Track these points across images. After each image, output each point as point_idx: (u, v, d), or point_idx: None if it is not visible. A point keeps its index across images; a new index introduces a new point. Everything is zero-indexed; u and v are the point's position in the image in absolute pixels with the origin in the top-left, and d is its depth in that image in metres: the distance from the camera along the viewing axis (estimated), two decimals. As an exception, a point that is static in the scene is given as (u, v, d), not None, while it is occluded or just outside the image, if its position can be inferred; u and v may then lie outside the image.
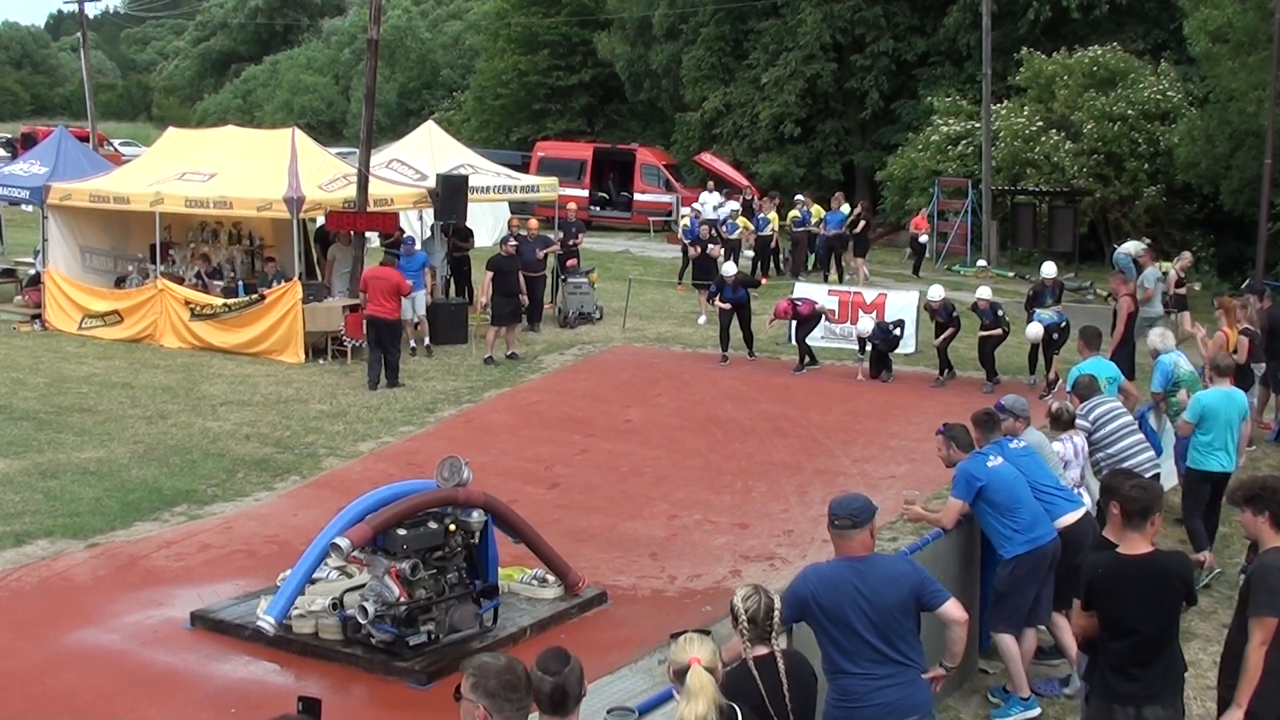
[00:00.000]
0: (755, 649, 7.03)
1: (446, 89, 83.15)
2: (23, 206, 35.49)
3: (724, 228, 35.86)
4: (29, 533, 15.45)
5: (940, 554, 10.71)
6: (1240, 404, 14.65)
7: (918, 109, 47.80)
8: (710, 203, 40.67)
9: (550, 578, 13.66)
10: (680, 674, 6.53)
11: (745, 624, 7.02)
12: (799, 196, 39.89)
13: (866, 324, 24.66)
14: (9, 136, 70.27)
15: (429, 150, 31.40)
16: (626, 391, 23.26)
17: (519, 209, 33.91)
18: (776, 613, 7.10)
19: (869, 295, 27.48)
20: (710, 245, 31.47)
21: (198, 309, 26.34)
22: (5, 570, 14.39)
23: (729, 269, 26.17)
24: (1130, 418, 13.91)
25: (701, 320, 29.60)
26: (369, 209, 26.34)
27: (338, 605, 12.48)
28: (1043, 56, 42.05)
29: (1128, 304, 22.51)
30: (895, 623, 7.80)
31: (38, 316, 29.12)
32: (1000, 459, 11.00)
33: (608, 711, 6.91)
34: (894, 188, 45.50)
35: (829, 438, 20.20)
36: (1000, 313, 23.82)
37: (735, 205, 39.03)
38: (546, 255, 29.55)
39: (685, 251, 35.72)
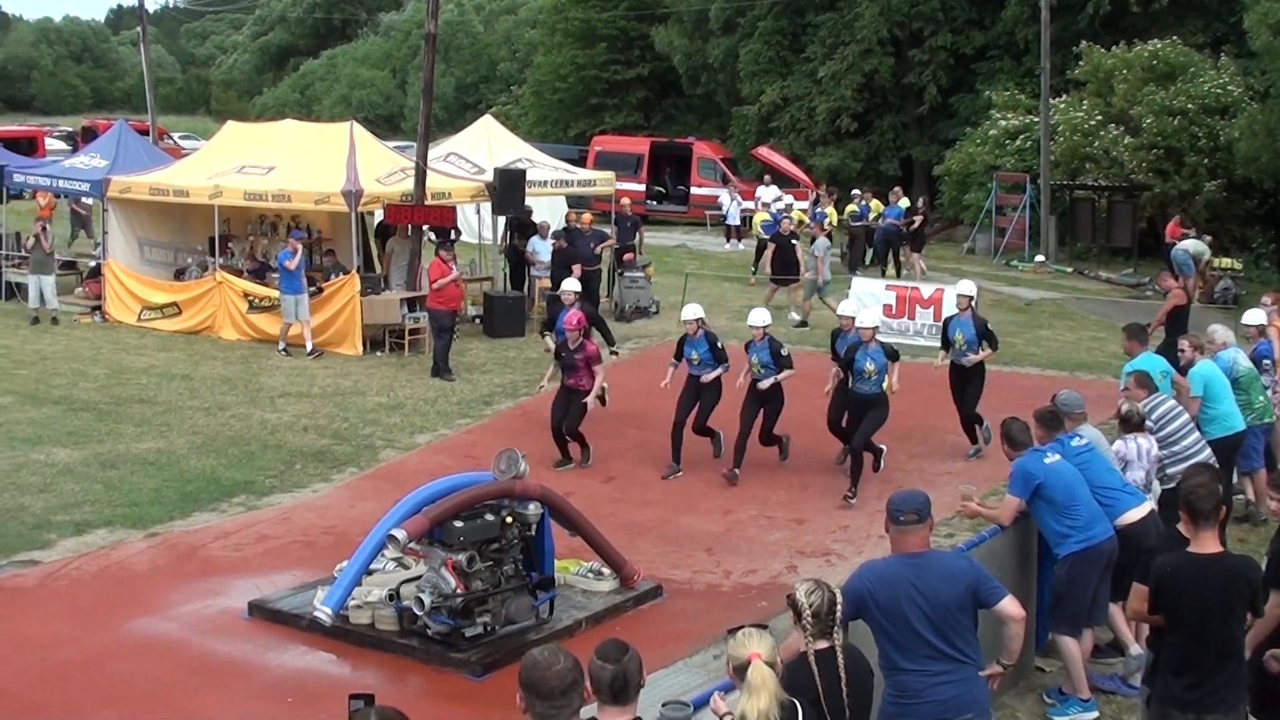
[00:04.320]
0: (816, 644, 7.01)
1: (504, 83, 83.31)
2: (83, 199, 35.71)
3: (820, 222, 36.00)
4: (89, 522, 15.58)
5: (997, 551, 10.65)
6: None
7: (976, 103, 47.52)
8: (767, 196, 40.62)
9: (606, 571, 13.67)
10: (740, 669, 6.51)
11: (809, 618, 6.99)
12: (856, 191, 39.80)
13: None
14: (70, 130, 70.90)
15: (487, 144, 31.43)
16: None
17: (576, 203, 33.90)
18: (838, 607, 7.07)
19: (926, 290, 27.37)
20: (794, 240, 31.20)
21: (256, 301, 26.47)
22: (65, 559, 14.51)
23: (690, 311, 19.19)
24: (1188, 416, 13.78)
25: (794, 318, 29.30)
26: (427, 202, 26.40)
27: (394, 596, 12.53)
28: (1102, 50, 41.69)
29: (1179, 296, 22.24)
30: (952, 619, 7.77)
31: (98, 308, 29.33)
32: (1058, 456, 10.92)
33: (662, 705, 6.91)
34: (951, 182, 45.26)
35: (886, 433, 20.02)
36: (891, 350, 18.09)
37: (790, 199, 38.96)
38: (602, 249, 29.54)
39: (759, 246, 35.69)
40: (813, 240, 30.86)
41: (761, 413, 18.14)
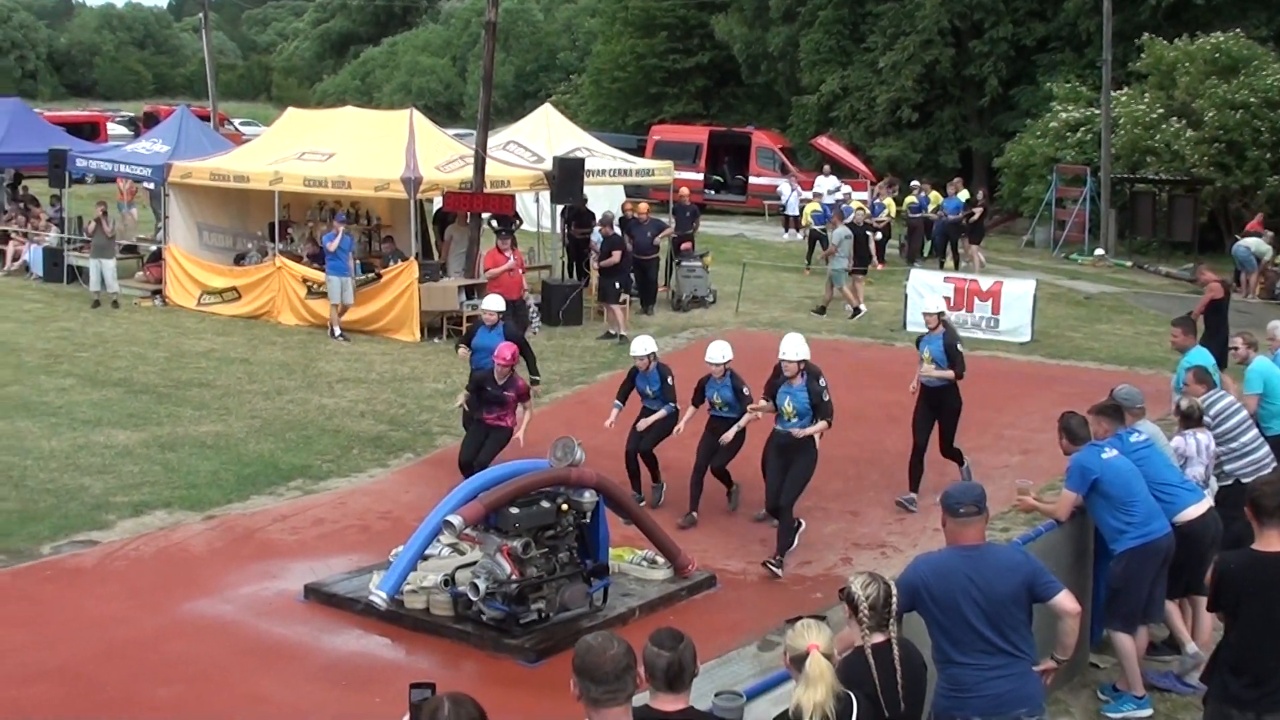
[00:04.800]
0: (873, 637, 6.99)
1: (564, 72, 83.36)
2: (144, 184, 35.97)
3: (841, 213, 35.86)
4: (147, 503, 15.71)
5: (1053, 545, 10.58)
6: None
7: (1036, 95, 47.26)
8: (826, 186, 40.53)
9: (660, 559, 13.68)
10: (797, 660, 6.49)
11: (866, 611, 6.96)
12: (915, 182, 39.67)
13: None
14: (132, 116, 71.33)
15: (546, 133, 31.48)
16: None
17: (634, 192, 33.91)
18: (894, 600, 7.04)
19: (984, 283, 27.24)
20: (867, 231, 31.00)
21: (315, 287, 26.58)
22: (124, 540, 14.64)
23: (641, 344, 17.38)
24: (1246, 412, 13.65)
25: (862, 309, 29.10)
26: (486, 190, 26.45)
27: (449, 582, 12.58)
28: (1164, 43, 41.33)
29: (1216, 290, 21.96)
30: (1007, 613, 7.73)
31: (158, 292, 29.56)
32: (1116, 452, 10.83)
33: (715, 695, 6.90)
34: (1011, 175, 45.02)
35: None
36: (822, 382, 15.25)
37: (850, 189, 38.88)
38: (660, 239, 29.53)
39: (812, 237, 35.61)
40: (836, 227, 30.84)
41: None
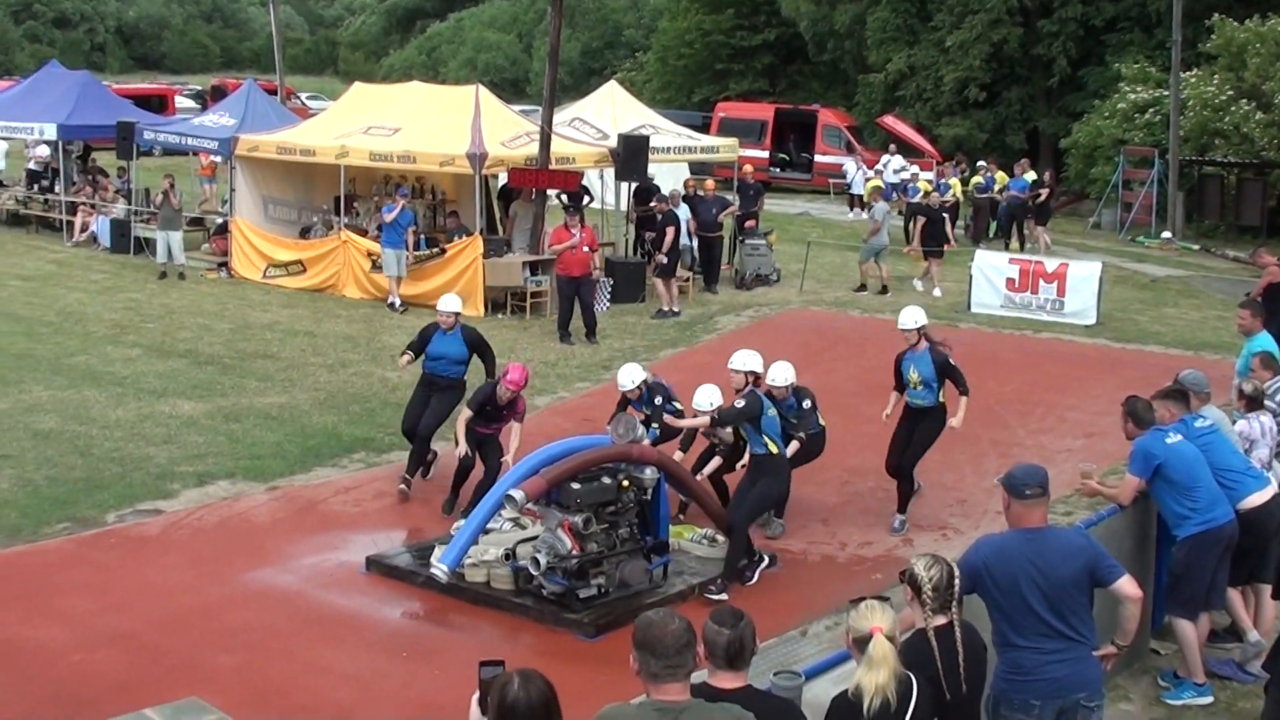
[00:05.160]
0: (935, 620, 6.97)
1: (629, 49, 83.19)
2: (211, 157, 36.20)
3: (906, 192, 35.75)
4: (211, 474, 15.85)
5: (1115, 530, 10.51)
6: None
7: (1105, 76, 46.74)
8: (893, 165, 40.33)
9: (720, 538, 13.67)
10: (860, 642, 6.48)
11: (929, 593, 6.93)
12: (981, 163, 39.42)
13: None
14: (199, 89, 71.69)
15: (611, 110, 31.43)
16: (801, 355, 23.01)
17: (699, 170, 33.83)
18: (957, 581, 7.02)
19: (1050, 265, 27.04)
20: (944, 213, 30.74)
21: (379, 261, 26.65)
22: (188, 509, 14.78)
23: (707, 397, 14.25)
24: None
25: (937, 293, 28.91)
26: (551, 167, 26.47)
27: (510, 556, 12.64)
28: (1235, 24, 40.77)
29: (1274, 273, 21.66)
30: (1068, 597, 7.66)
31: (224, 264, 29.77)
32: (1180, 437, 10.74)
33: (773, 674, 6.90)
34: (1078, 156, 44.60)
35: (1005, 408, 19.93)
36: (806, 405, 14.88)
37: (915, 168, 38.70)
38: (724, 216, 29.48)
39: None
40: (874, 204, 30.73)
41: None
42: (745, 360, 13.68)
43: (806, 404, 14.84)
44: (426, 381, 16.01)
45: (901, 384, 15.05)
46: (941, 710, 6.71)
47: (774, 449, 13.29)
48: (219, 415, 18.39)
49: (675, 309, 26.09)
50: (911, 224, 32.49)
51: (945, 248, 29.70)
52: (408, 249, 26.09)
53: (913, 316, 14.96)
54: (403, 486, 15.47)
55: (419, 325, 23.99)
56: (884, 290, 28.93)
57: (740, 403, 13.28)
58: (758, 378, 13.76)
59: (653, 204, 27.47)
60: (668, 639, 5.58)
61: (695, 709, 5.59)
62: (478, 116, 26.80)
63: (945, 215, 30.04)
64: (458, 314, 16.34)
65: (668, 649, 5.57)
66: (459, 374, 16.11)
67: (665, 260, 26.23)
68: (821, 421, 15.00)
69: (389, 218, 25.73)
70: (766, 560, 13.56)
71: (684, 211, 27.93)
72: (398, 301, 26.00)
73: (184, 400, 19.10)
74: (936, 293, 28.57)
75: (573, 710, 5.22)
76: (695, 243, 28.51)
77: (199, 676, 10.78)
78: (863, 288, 29.03)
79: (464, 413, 14.91)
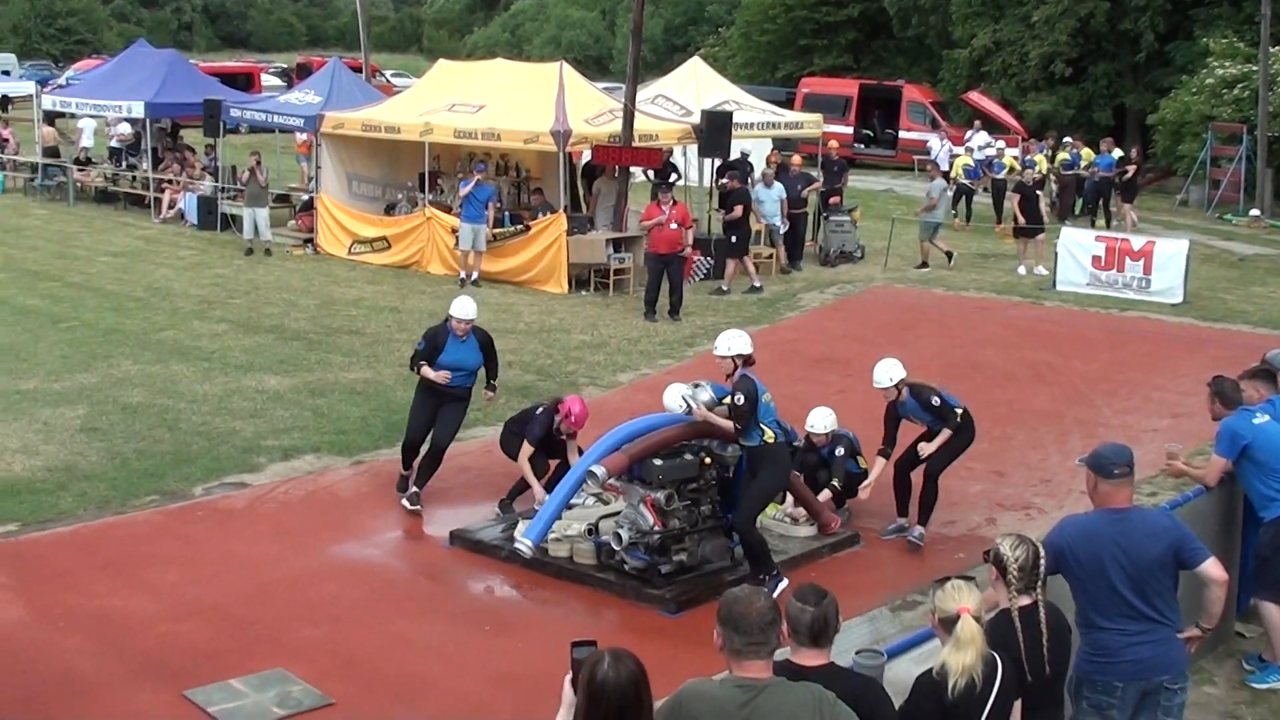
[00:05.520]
0: (1020, 599, 6.92)
1: (712, 25, 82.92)
2: (297, 135, 36.44)
3: (992, 168, 35.50)
4: (297, 448, 15.98)
5: (1201, 512, 10.40)
6: None
7: (1193, 50, 46.07)
8: (977, 142, 40.04)
9: (803, 516, 13.65)
10: (946, 622, 6.44)
11: (1015, 573, 6.88)
12: (1067, 139, 39.05)
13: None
14: (285, 67, 72.24)
15: (694, 86, 31.36)
16: (885, 333, 23.02)
17: (783, 145, 33.72)
18: (1043, 561, 6.96)
19: (1136, 242, 26.76)
20: (1038, 190, 30.37)
21: (464, 236, 26.79)
22: (274, 482, 14.91)
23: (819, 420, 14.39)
24: None
25: (1020, 270, 28.59)
26: (634, 144, 26.45)
27: (593, 531, 12.68)
28: (1328, -4, 40.22)
29: None
30: (1153, 579, 7.59)
31: (310, 241, 29.98)
32: (1267, 417, 10.59)
33: (856, 653, 6.88)
34: (1165, 132, 44.05)
35: (1091, 387, 19.77)
36: (839, 453, 14.27)
37: (1001, 144, 38.41)
38: (808, 192, 29.38)
39: (960, 191, 35.25)
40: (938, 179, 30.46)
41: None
42: (731, 343, 12.59)
43: (840, 452, 14.05)
44: (435, 391, 14.34)
45: (894, 440, 13.87)
46: (1025, 691, 6.66)
47: (770, 437, 12.22)
48: (304, 390, 18.54)
49: (756, 284, 26.00)
50: (999, 200, 32.28)
51: (924, 217, 29.30)
52: (488, 224, 26.14)
53: (886, 373, 13.66)
54: (416, 506, 14.18)
55: (508, 303, 24.30)
56: (950, 257, 28.80)
57: (740, 398, 12.08)
58: (747, 360, 12.50)
59: (723, 180, 27.36)
60: (752, 616, 5.58)
61: (777, 687, 5.58)
62: (561, 94, 26.82)
63: (1039, 193, 29.60)
64: (471, 320, 14.50)
65: (752, 626, 5.56)
66: (471, 384, 14.71)
67: (734, 239, 26.17)
68: (862, 465, 14.21)
69: (464, 191, 25.89)
70: (784, 582, 12.10)
71: (778, 190, 27.79)
72: (470, 276, 26.21)
73: (270, 375, 19.27)
74: (1040, 270, 28.10)
75: (653, 686, 5.22)
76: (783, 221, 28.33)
77: (284, 648, 10.91)
78: (924, 265, 28.83)
79: (525, 449, 13.90)
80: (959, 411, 13.63)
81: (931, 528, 14.01)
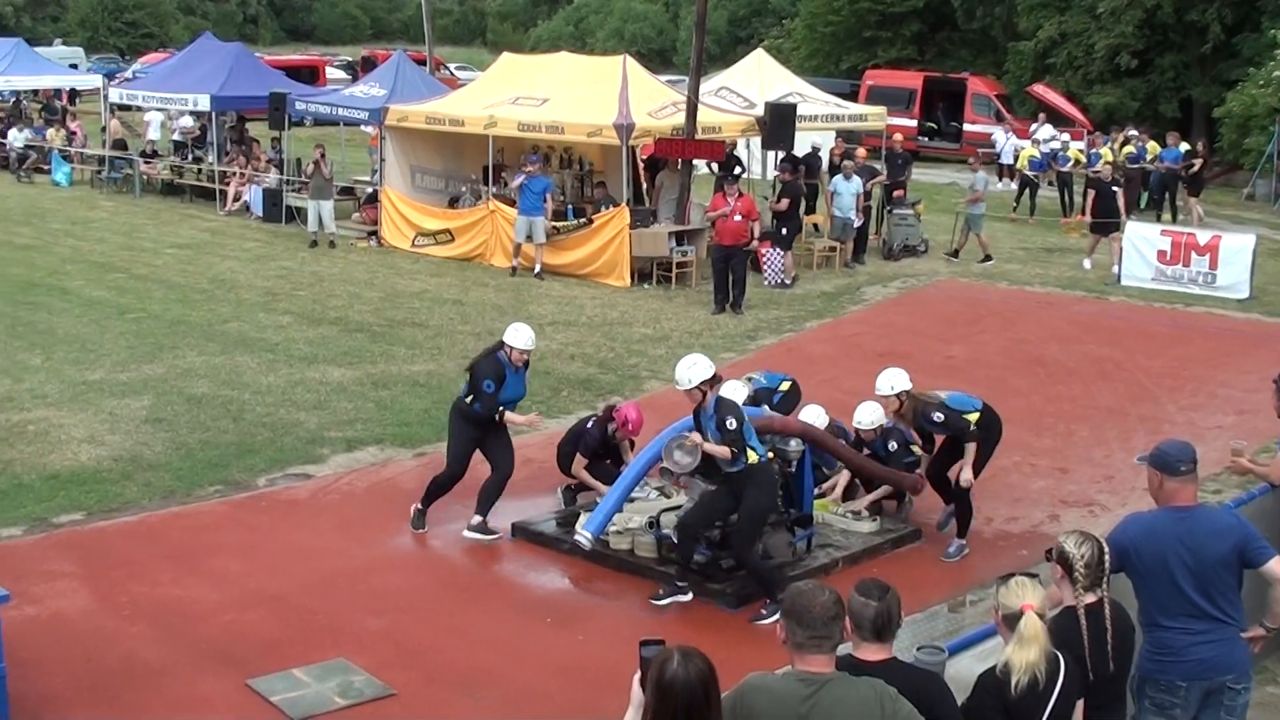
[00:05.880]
0: (1085, 597, 6.86)
1: (776, 16, 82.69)
2: (362, 127, 36.60)
3: (1057, 161, 35.28)
4: (360, 439, 16.07)
5: (1266, 510, 10.29)
6: None
7: (1260, 43, 45.50)
8: (1043, 135, 39.79)
9: (865, 511, 13.59)
10: (1009, 619, 6.41)
11: (1081, 570, 6.83)
12: (1133, 132, 38.74)
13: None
14: (350, 60, 72.56)
15: (758, 78, 31.30)
16: (949, 327, 22.96)
17: (847, 138, 33.63)
18: (1108, 558, 6.90)
19: (1202, 236, 26.53)
20: (1114, 187, 29.99)
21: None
22: (337, 474, 15.01)
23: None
24: None
25: (1086, 264, 28.17)
26: (697, 136, 26.43)
27: (654, 524, 12.66)
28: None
29: None
30: (1216, 577, 7.50)
31: (374, 233, 30.12)
32: (1332, 415, 10.51)
33: (917, 649, 6.86)
34: (1232, 125, 43.60)
35: (1156, 383, 19.62)
36: (892, 447, 13.66)
37: (1066, 137, 38.16)
38: (872, 186, 29.28)
39: (1024, 184, 35.09)
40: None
41: None
42: (691, 373, 11.65)
43: (893, 446, 13.60)
44: (477, 421, 13.40)
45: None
46: (1088, 690, 6.62)
47: (754, 458, 11.55)
48: (368, 382, 18.63)
49: (787, 280, 25.87)
50: (1066, 193, 32.03)
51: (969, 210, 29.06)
52: (546, 216, 26.20)
53: (889, 381, 13.09)
54: (421, 525, 13.50)
55: (571, 296, 24.33)
56: (955, 254, 28.84)
57: (731, 422, 11.40)
58: (714, 382, 11.81)
59: (775, 172, 27.29)
60: (816, 610, 5.57)
61: (839, 681, 5.58)
62: (625, 87, 26.83)
63: (1116, 189, 29.19)
64: (529, 351, 13.59)
65: (815, 620, 5.56)
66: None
67: (783, 230, 26.12)
68: (916, 451, 13.84)
69: (515, 184, 26.13)
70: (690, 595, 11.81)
71: (855, 184, 27.66)
72: (517, 265, 26.46)
73: (334, 367, 19.38)
74: (1115, 269, 27.62)
75: (716, 682, 5.22)
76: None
77: (346, 638, 10.97)
78: (988, 258, 28.64)
79: (579, 460, 13.96)
80: (972, 417, 13.08)
81: (994, 524, 13.96)
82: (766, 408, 13.62)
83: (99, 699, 9.92)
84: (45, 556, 12.58)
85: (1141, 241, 26.57)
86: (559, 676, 10.51)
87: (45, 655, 10.46)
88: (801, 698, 5.50)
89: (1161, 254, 26.14)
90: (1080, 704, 6.53)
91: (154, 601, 11.65)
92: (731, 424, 11.43)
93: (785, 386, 14.67)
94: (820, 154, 30.35)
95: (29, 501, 13.90)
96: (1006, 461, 15.91)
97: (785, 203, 26.11)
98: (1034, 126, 42.34)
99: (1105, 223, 28.12)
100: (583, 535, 12.28)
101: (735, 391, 13.09)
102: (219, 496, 14.29)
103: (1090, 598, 6.86)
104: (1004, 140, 43.77)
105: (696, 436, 11.65)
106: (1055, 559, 6.96)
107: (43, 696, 9.85)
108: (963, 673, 6.86)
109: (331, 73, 61.48)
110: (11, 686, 9.15)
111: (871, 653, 5.96)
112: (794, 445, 12.55)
